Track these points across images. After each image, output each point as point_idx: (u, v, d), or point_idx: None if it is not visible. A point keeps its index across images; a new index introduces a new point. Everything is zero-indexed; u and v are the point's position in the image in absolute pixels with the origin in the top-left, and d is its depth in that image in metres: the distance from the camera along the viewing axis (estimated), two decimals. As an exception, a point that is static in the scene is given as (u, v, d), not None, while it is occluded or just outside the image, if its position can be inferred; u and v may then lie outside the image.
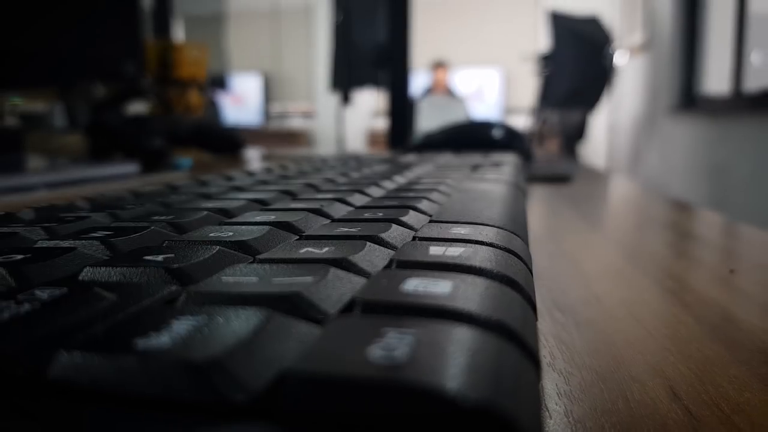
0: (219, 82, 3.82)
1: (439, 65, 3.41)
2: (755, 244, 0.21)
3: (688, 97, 2.74)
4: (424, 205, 0.15)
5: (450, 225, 0.13)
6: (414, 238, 0.12)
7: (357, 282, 0.09)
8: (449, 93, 3.41)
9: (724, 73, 2.32)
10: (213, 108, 3.66)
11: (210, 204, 0.15)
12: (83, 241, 0.11)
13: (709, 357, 0.11)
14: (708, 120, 2.45)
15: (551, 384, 0.10)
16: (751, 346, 0.12)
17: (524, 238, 0.13)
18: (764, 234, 0.23)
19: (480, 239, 0.11)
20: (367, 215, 0.14)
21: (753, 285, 0.16)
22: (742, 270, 0.18)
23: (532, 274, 0.11)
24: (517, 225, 0.14)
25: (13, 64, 0.44)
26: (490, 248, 0.11)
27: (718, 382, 0.10)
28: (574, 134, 3.13)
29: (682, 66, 2.77)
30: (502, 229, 0.12)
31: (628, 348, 0.12)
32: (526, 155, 0.49)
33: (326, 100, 3.66)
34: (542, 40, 3.26)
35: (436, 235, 0.12)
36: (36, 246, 0.11)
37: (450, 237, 0.11)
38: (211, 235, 0.11)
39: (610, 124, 3.09)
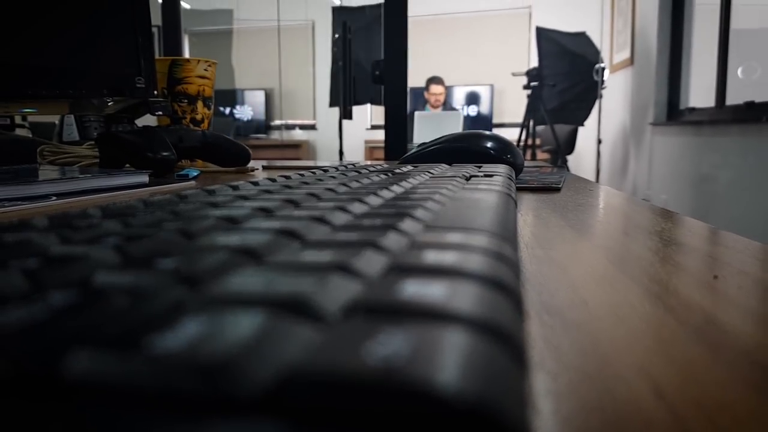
0: (230, 98, 3.87)
1: (432, 81, 3.44)
2: (739, 251, 0.22)
3: (674, 110, 2.78)
4: (419, 213, 0.16)
5: (444, 232, 0.13)
6: (410, 244, 0.12)
7: (357, 285, 0.09)
8: (446, 107, 3.43)
9: (708, 87, 2.35)
10: (224, 120, 3.70)
11: (217, 212, 0.16)
12: (96, 247, 0.11)
13: (693, 358, 0.12)
14: (693, 132, 2.48)
15: (540, 383, 0.10)
16: (734, 348, 0.12)
17: (514, 245, 0.13)
18: (747, 241, 0.24)
19: (472, 245, 0.12)
20: (366, 222, 0.14)
21: (736, 290, 0.17)
22: (726, 276, 0.18)
23: (521, 278, 0.12)
24: (507, 232, 0.14)
25: (27, 77, 0.44)
26: (482, 254, 0.11)
27: (701, 382, 0.10)
28: (564, 146, 3.16)
29: (667, 80, 2.81)
30: (493, 236, 0.13)
31: (614, 349, 0.12)
32: (517, 166, 0.50)
33: (327, 113, 3.67)
34: (534, 60, 3.31)
35: (430, 242, 0.12)
36: (49, 252, 0.12)
37: (444, 243, 0.12)
38: (218, 241, 0.12)
39: (599, 136, 3.12)
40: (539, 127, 3.23)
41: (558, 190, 0.45)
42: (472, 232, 0.13)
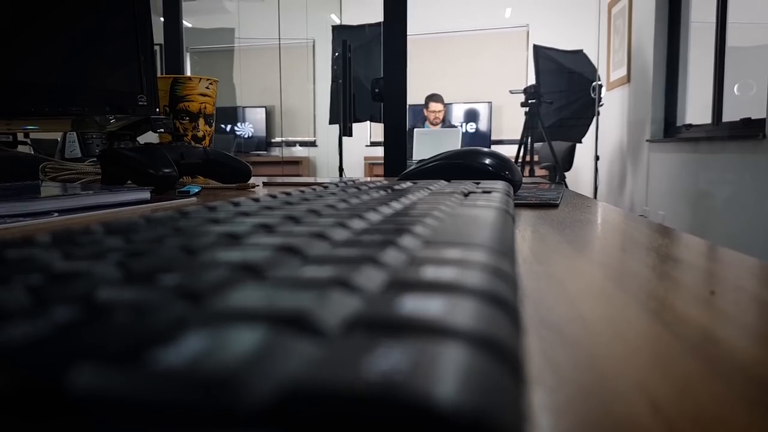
0: (231, 115, 3.94)
1: (431, 99, 3.47)
2: (735, 267, 0.22)
3: (671, 127, 2.81)
4: (418, 229, 0.16)
5: (443, 248, 0.13)
6: (409, 260, 0.12)
7: (356, 300, 0.09)
8: (445, 124, 3.47)
9: (704, 104, 2.39)
10: (225, 137, 3.75)
11: (218, 228, 0.16)
12: (98, 263, 0.11)
13: (690, 373, 0.12)
14: (690, 148, 2.51)
15: (538, 398, 0.10)
16: (730, 363, 0.12)
17: (512, 260, 0.14)
18: (744, 257, 0.24)
19: (471, 261, 0.12)
20: (365, 238, 0.14)
21: (733, 306, 0.17)
22: (723, 291, 0.18)
23: (519, 293, 0.12)
24: (505, 248, 0.14)
25: (30, 94, 0.45)
26: (480, 269, 0.11)
27: (698, 397, 0.10)
28: (562, 163, 3.18)
29: (664, 97, 2.85)
30: (491, 251, 0.13)
31: (611, 364, 0.12)
32: (515, 182, 0.50)
33: (327, 129, 3.71)
34: (532, 78, 3.36)
35: (429, 257, 0.12)
36: (52, 267, 0.12)
37: (443, 259, 0.12)
38: (220, 256, 0.12)
39: (596, 152, 3.14)
40: (537, 144, 3.25)
41: (556, 206, 0.45)
42: (470, 247, 0.13)
